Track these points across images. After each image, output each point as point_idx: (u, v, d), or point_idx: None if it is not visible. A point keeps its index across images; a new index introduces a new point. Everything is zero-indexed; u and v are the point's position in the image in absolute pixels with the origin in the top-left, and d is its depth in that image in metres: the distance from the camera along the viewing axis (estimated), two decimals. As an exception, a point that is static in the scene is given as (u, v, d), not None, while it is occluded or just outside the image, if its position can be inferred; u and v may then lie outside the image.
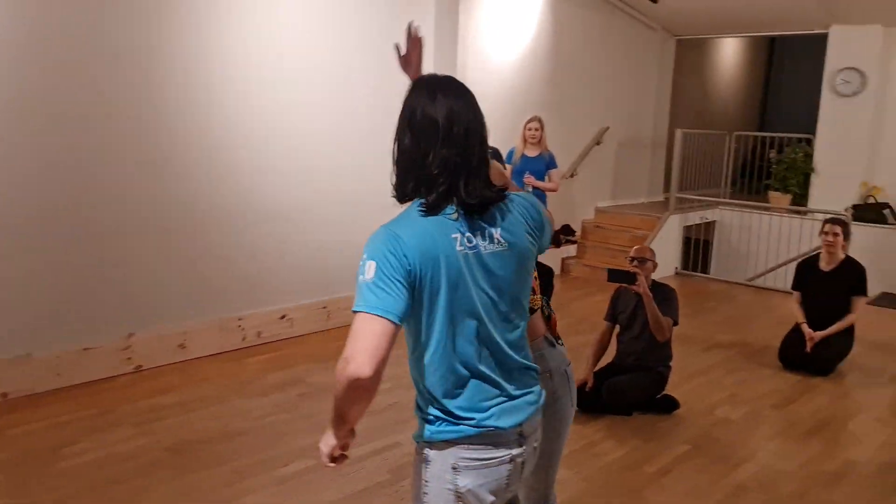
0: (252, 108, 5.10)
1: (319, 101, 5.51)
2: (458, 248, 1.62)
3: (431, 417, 1.69)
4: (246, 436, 3.85)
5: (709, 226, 9.20)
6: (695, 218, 8.82)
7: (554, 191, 6.84)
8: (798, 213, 8.47)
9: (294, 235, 5.46)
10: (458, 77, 1.77)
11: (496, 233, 1.68)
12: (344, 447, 1.76)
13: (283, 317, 5.44)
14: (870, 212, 8.35)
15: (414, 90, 1.69)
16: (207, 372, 4.73)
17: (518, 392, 1.75)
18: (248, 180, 5.15)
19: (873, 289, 6.10)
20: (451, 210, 1.63)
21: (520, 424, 1.73)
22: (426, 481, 1.71)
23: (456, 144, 1.62)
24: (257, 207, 5.22)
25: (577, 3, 8.21)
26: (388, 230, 1.60)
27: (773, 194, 9.15)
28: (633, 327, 4.36)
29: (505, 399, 1.72)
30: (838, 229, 5.23)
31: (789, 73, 13.15)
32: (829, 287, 5.23)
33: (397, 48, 2.13)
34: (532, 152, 6.60)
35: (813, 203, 8.78)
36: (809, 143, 9.12)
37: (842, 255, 5.27)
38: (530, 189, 6.57)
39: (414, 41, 2.11)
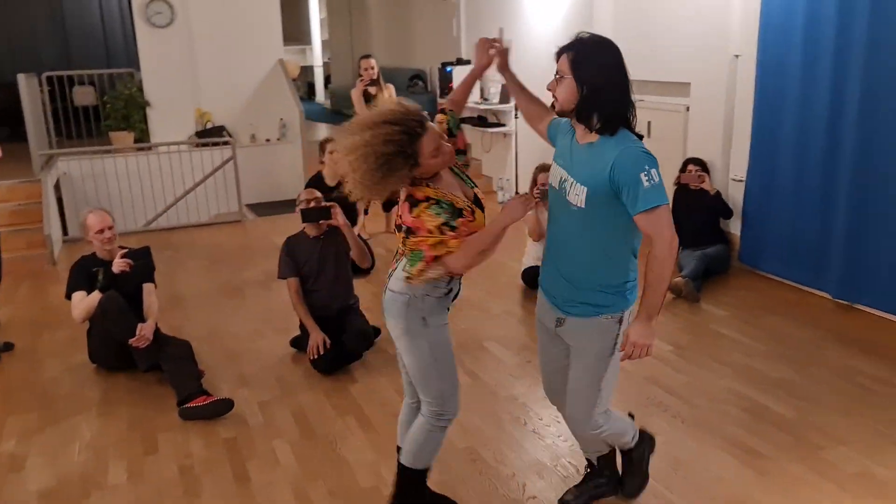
0: None
1: None
2: None
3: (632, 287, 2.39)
4: None
5: (57, 183, 8.15)
6: (56, 175, 7.74)
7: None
8: (146, 149, 8.28)
9: None
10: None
11: None
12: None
13: None
14: (211, 136, 8.90)
15: (612, 48, 2.24)
16: None
17: None
18: None
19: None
20: None
21: None
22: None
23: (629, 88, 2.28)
24: None
25: None
26: (642, 147, 2.22)
27: (115, 134, 8.72)
28: (327, 271, 4.15)
29: None
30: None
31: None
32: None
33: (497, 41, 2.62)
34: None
35: (157, 136, 8.79)
36: (133, 77, 8.95)
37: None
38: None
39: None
